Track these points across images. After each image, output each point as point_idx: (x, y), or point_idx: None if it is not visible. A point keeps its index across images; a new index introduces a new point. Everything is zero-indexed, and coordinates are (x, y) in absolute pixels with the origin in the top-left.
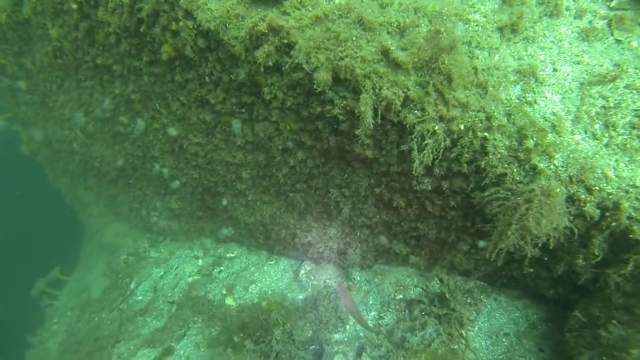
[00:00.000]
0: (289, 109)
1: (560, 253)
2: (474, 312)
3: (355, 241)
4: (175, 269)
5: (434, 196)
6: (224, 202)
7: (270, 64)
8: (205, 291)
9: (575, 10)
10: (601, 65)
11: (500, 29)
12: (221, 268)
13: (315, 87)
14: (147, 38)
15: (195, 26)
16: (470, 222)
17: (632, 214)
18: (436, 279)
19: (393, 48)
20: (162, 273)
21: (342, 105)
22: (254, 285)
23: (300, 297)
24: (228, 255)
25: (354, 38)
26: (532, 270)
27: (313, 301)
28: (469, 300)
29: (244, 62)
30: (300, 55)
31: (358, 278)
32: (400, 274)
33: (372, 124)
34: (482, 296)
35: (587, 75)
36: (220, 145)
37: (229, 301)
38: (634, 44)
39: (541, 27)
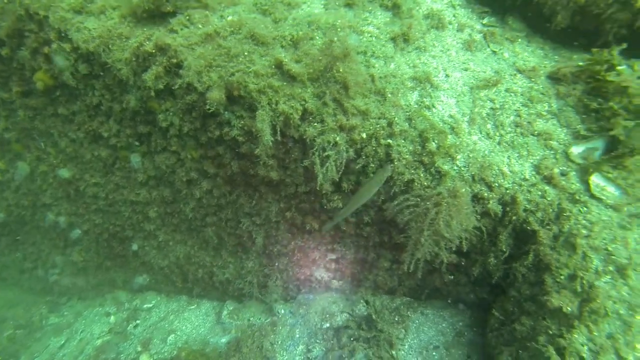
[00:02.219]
0: (188, 136)
1: (474, 255)
2: (403, 330)
3: (274, 272)
4: (81, 332)
5: None
6: (134, 246)
7: (161, 86)
8: (116, 352)
9: (456, 25)
10: (484, 72)
11: (393, 39)
12: (137, 322)
13: (208, 107)
14: (14, 64)
15: (73, 49)
16: (387, 236)
17: (527, 206)
18: (362, 301)
19: (286, 60)
20: (62, 342)
21: (240, 125)
22: (173, 335)
23: (223, 340)
24: (145, 306)
25: (246, 53)
26: (452, 277)
27: (236, 343)
28: (396, 319)
29: (134, 87)
30: (190, 74)
31: (282, 311)
32: (325, 301)
33: (271, 141)
34: (409, 312)
35: (474, 80)
36: (121, 184)
37: (144, 359)
38: (506, 55)
39: (430, 38)
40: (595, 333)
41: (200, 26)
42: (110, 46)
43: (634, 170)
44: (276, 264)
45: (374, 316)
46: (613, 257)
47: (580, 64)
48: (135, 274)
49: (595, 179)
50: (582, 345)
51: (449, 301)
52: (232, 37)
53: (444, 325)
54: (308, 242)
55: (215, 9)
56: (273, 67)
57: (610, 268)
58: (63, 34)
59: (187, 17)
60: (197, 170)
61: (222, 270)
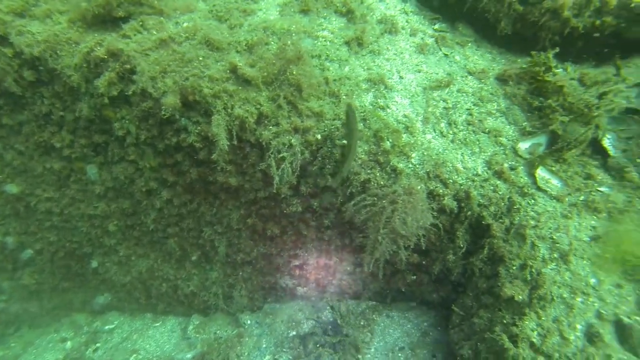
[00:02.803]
0: (145, 144)
1: (434, 253)
2: (369, 334)
3: (239, 282)
4: None
5: (307, 217)
6: (94, 263)
7: (115, 93)
8: None
9: (409, 29)
10: (437, 74)
11: (348, 43)
12: (97, 345)
13: (163, 113)
14: None
15: (16, 54)
16: (348, 239)
17: (480, 200)
18: (327, 307)
19: (241, 64)
20: None
21: (197, 131)
22: (135, 355)
23: (189, 356)
24: (106, 327)
25: (200, 58)
26: (414, 277)
27: (201, 357)
28: (362, 323)
29: (86, 94)
30: (144, 80)
31: (249, 322)
32: (291, 310)
33: (228, 146)
34: (374, 315)
35: (427, 81)
36: (77, 197)
37: None
38: (457, 58)
39: (384, 42)
40: (543, 318)
41: (154, 32)
42: (58, 51)
43: (572, 162)
44: (240, 273)
45: (339, 321)
46: (557, 244)
47: (524, 66)
48: (95, 293)
49: (540, 172)
50: (532, 331)
51: (414, 303)
52: (187, 43)
53: (409, 326)
54: (271, 248)
55: (170, 15)
56: (228, 71)
57: (555, 255)
58: (3, 38)
59: (141, 23)
60: (157, 179)
61: (187, 283)
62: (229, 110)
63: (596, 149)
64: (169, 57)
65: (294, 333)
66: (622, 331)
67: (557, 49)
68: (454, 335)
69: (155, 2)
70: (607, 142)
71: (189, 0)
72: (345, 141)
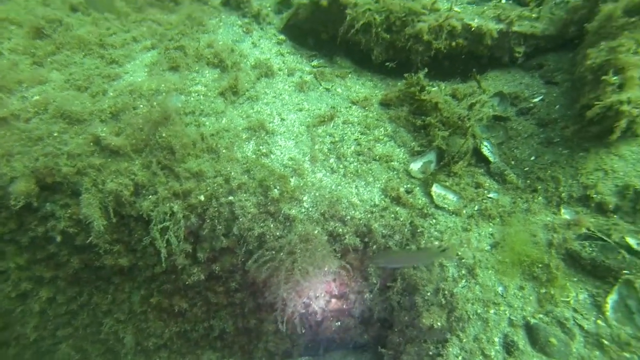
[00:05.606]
0: (5, 242)
1: (351, 295)
2: None
3: None
4: None
5: (213, 284)
6: None
7: None
8: None
9: (286, 70)
10: (320, 109)
11: (223, 94)
12: None
13: (13, 203)
14: None
15: None
16: (262, 297)
17: (383, 231)
18: None
19: (104, 135)
20: None
21: (67, 215)
22: None
23: None
24: None
25: (55, 134)
26: (338, 323)
27: None
28: None
29: None
30: None
31: None
32: None
33: (106, 225)
34: None
35: (310, 118)
36: None
37: None
38: (339, 90)
39: (261, 87)
40: (464, 340)
41: None
42: None
43: (462, 174)
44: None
45: None
46: (463, 260)
47: (402, 88)
48: None
49: (435, 190)
50: (457, 357)
51: (348, 349)
52: (37, 119)
53: None
54: (183, 325)
55: (13, 89)
56: (91, 144)
57: (463, 272)
58: None
59: None
60: (29, 278)
61: None
62: (100, 186)
63: (480, 157)
64: (12, 137)
65: None
66: (530, 333)
67: (426, 70)
68: None
69: None
70: (485, 150)
71: (37, 71)
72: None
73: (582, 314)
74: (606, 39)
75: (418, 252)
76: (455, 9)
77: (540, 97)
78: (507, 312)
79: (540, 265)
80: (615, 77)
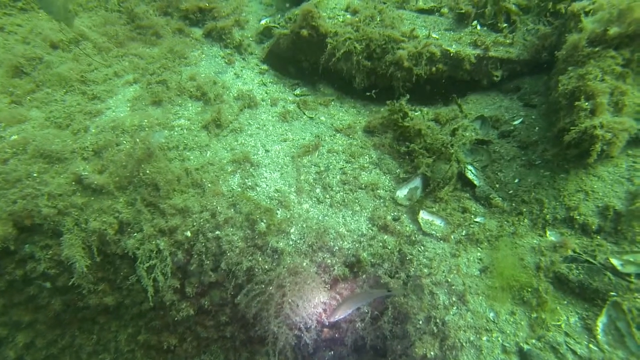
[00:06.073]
0: None
1: (342, 324)
2: None
3: None
4: None
5: (202, 319)
6: None
7: None
8: None
9: (269, 100)
10: (304, 139)
11: (206, 127)
12: None
13: None
14: None
15: None
16: (253, 330)
17: (372, 260)
18: None
19: (86, 173)
20: None
21: (48, 256)
22: None
23: None
24: None
25: (35, 174)
26: (332, 352)
27: None
28: None
29: None
30: None
31: None
32: None
33: (91, 264)
34: None
35: (295, 149)
36: None
37: None
38: (323, 118)
39: (245, 118)
40: None
41: None
42: None
43: (448, 199)
44: None
45: None
46: (453, 287)
47: (385, 115)
48: None
49: (423, 216)
50: None
51: None
52: (14, 159)
53: None
54: None
55: None
56: (73, 183)
57: (454, 299)
58: None
59: None
60: (5, 324)
61: None
62: (83, 225)
63: (465, 181)
64: None
65: None
66: (524, 359)
67: (408, 96)
68: None
69: None
70: (470, 174)
71: (15, 110)
72: None
73: (574, 338)
74: (574, 66)
75: (368, 292)
76: (434, 35)
77: (520, 120)
78: (499, 339)
79: (529, 290)
80: (586, 103)
